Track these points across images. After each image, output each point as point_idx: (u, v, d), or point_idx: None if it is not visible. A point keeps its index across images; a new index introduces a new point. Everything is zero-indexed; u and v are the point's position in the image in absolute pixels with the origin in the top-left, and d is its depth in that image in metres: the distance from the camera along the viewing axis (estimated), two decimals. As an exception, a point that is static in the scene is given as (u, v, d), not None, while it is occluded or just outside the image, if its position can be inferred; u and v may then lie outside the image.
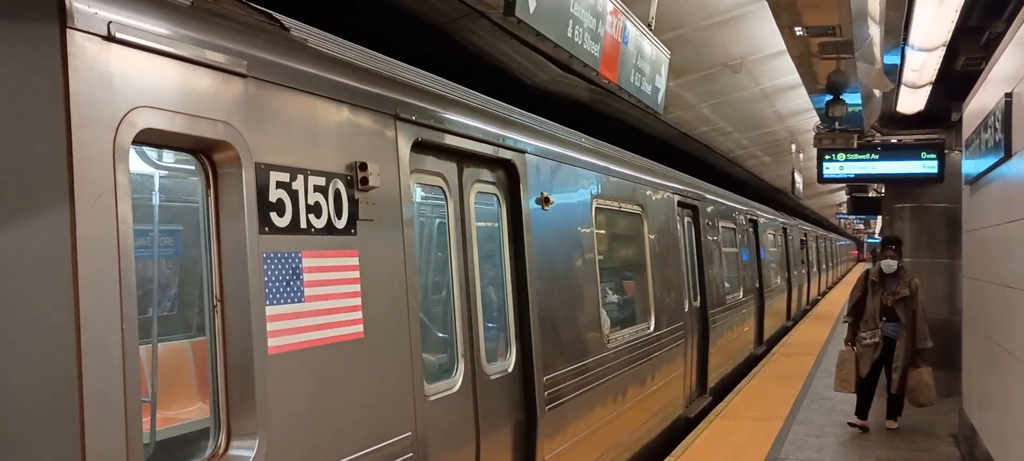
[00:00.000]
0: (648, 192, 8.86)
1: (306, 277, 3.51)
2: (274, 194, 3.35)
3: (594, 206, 7.04)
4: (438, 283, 5.14)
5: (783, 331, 19.54)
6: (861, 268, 23.26)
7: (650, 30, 8.03)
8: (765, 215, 18.46)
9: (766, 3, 9.21)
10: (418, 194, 4.75)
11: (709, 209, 12.14)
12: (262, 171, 3.30)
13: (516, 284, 5.57)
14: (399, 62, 4.76)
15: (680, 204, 10.32)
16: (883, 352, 9.23)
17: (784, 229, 21.06)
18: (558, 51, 6.18)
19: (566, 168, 6.51)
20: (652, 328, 8.54)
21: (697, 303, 10.91)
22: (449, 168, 4.94)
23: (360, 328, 3.81)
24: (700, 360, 10.96)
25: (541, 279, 5.77)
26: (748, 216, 15.86)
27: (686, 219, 10.88)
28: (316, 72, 3.72)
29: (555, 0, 5.74)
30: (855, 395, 9.48)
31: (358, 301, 3.81)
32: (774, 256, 19.08)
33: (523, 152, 5.66)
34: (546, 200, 5.89)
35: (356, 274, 3.81)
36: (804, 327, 20.69)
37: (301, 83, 3.59)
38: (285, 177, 3.41)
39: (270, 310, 3.30)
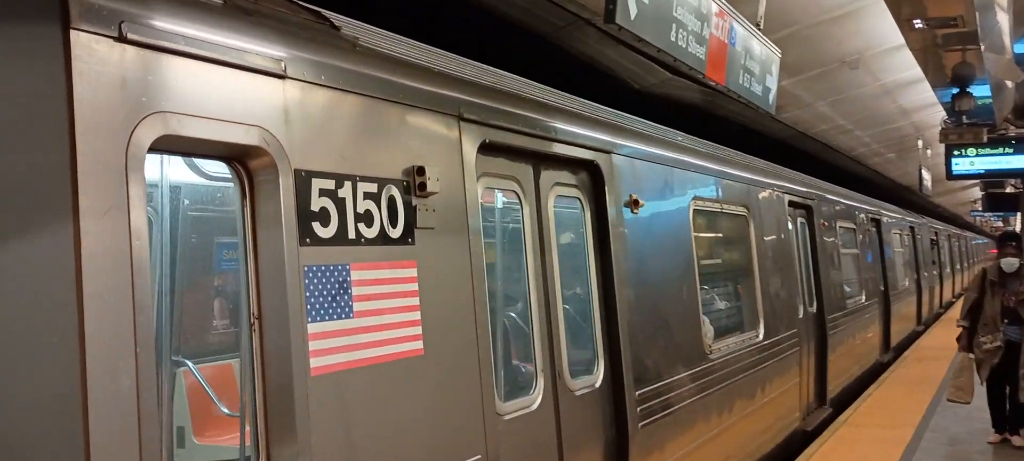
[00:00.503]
0: (755, 192, 8.37)
1: (355, 291, 3.29)
2: (317, 203, 3.15)
3: (692, 208, 6.64)
4: (513, 294, 4.90)
5: (913, 336, 18.69)
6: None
7: (759, 30, 7.91)
8: (890, 214, 17.36)
9: (882, -3, 8.96)
10: (488, 199, 4.53)
11: (825, 209, 11.44)
12: (302, 178, 3.10)
13: (603, 293, 5.24)
14: (464, 59, 4.55)
15: (792, 204, 9.74)
16: (1005, 358, 8.47)
17: (912, 228, 20.07)
18: (662, 55, 6.18)
19: (659, 168, 6.14)
20: (761, 336, 8.01)
21: (813, 309, 10.32)
22: (523, 171, 4.68)
23: (420, 344, 3.56)
24: (818, 369, 10.33)
25: (631, 287, 5.43)
26: (870, 215, 14.97)
27: (799, 220, 10.26)
28: (367, 71, 3.52)
29: (657, 5, 5.75)
30: (969, 404, 8.89)
31: (417, 315, 3.57)
32: (901, 257, 18.22)
33: (608, 152, 5.34)
34: (635, 203, 5.55)
35: (414, 286, 3.57)
36: (937, 331, 19.73)
37: (349, 83, 3.40)
38: (330, 184, 3.22)
39: (313, 328, 3.08)
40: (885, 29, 10.60)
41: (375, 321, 3.37)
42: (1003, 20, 8.97)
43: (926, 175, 21.66)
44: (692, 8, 6.28)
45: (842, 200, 12.93)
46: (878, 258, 15.23)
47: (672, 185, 6.39)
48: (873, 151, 20.53)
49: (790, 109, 13.27)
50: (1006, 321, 8.47)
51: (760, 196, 8.54)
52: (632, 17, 5.44)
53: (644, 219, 5.72)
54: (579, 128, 5.18)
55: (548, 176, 4.87)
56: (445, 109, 3.93)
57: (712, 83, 7.02)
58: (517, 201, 4.66)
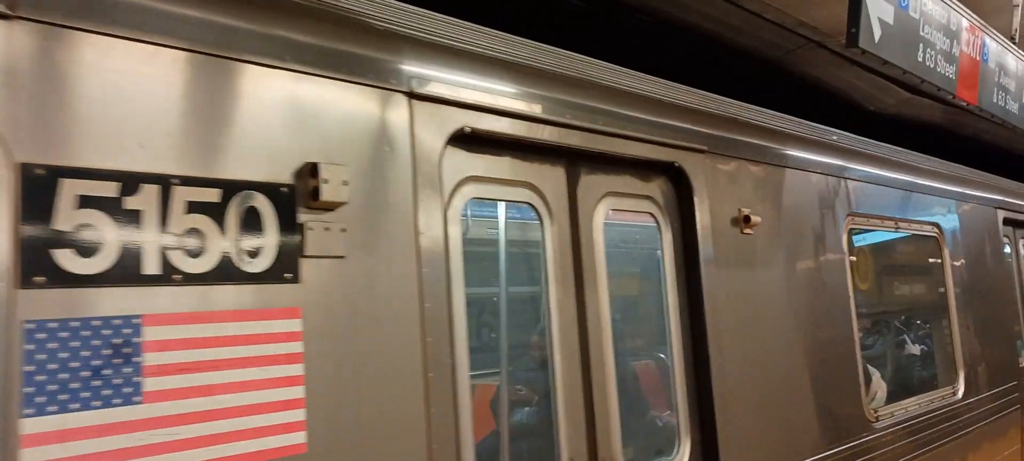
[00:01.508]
0: (949, 206, 6.73)
1: (150, 360, 2.17)
2: (70, 218, 2.10)
3: (846, 227, 5.26)
4: (527, 347, 3.87)
5: None
6: None
7: (1014, 43, 7.31)
8: None
9: None
10: (471, 213, 3.43)
11: None
12: (36, 179, 2.05)
13: (690, 342, 4.02)
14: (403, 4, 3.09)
15: (1009, 222, 7.88)
16: None
17: None
18: (908, 77, 5.86)
19: (790, 173, 4.81)
20: (960, 394, 6.29)
21: None
22: (547, 174, 3.49)
23: (301, 437, 2.41)
24: None
25: (735, 333, 4.16)
26: None
27: (1021, 242, 8.45)
28: (190, 11, 2.36)
29: (903, 25, 5.47)
30: None
31: (298, 392, 2.43)
32: None
33: (700, 151, 4.11)
34: (746, 220, 4.31)
35: (296, 347, 2.44)
36: None
37: (156, 28, 2.28)
38: (105, 189, 2.15)
39: (33, 425, 1.97)
40: None
41: (194, 407, 2.22)
42: None
43: None
44: (940, 25, 5.92)
45: None
46: None
47: (811, 196, 5.01)
48: None
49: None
50: None
51: (958, 211, 6.89)
52: (876, 39, 5.20)
53: (763, 241, 4.45)
54: (652, 116, 4.00)
55: (593, 183, 3.68)
56: (380, 79, 2.79)
57: (963, 103, 6.56)
58: (536, 218, 3.49)
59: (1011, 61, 7.17)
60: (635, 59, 4.58)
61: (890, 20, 5.28)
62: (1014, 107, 7.33)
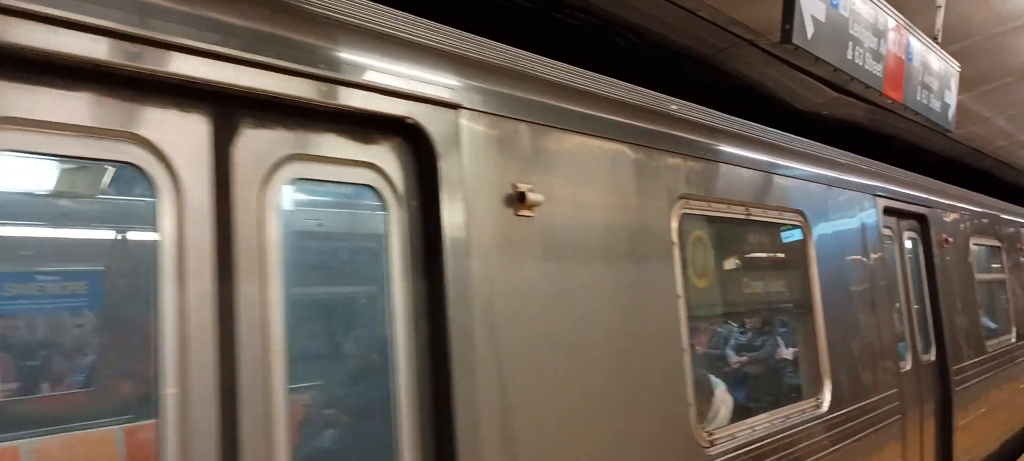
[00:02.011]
0: (818, 190, 5.83)
1: None
2: None
3: (676, 212, 4.30)
4: None
5: None
6: None
7: (936, 43, 7.52)
8: None
9: (1073, 1, 8.35)
10: None
11: (949, 221, 8.57)
12: None
13: (429, 361, 3.07)
14: None
15: (891, 212, 7.16)
16: None
17: None
18: (838, 75, 5.96)
19: (595, 143, 3.82)
20: (825, 406, 5.40)
21: (931, 356, 7.58)
22: (176, 126, 2.51)
23: None
24: (941, 445, 7.50)
25: (501, 346, 3.24)
26: None
27: (906, 235, 7.63)
28: None
29: (833, 24, 5.56)
30: None
31: None
32: None
33: (451, 106, 3.19)
34: (522, 198, 3.37)
35: None
36: None
37: None
38: None
39: None
40: (1073, 36, 9.86)
41: None
42: None
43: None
44: (868, 24, 6.04)
45: (980, 209, 9.95)
46: None
47: (627, 172, 4.00)
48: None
49: (965, 125, 12.53)
50: None
51: (829, 198, 5.95)
52: (809, 36, 5.28)
53: (548, 227, 3.49)
54: (375, 55, 3.00)
55: (264, 141, 2.69)
56: None
57: (889, 101, 6.71)
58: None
59: (934, 60, 7.37)
60: (572, 57, 4.56)
61: (822, 18, 5.37)
62: (936, 105, 7.54)
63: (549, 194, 3.51)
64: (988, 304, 9.88)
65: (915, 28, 6.89)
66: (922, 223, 7.90)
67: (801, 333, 5.74)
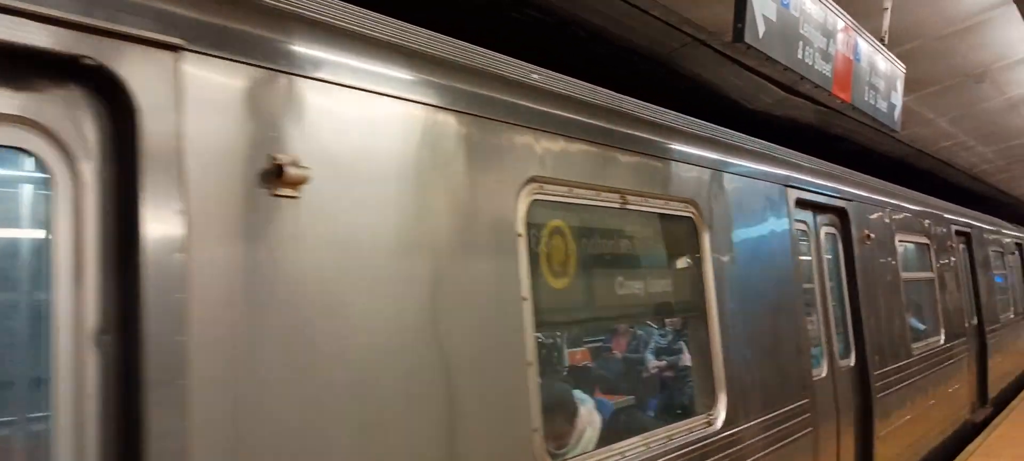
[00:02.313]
0: (715, 178, 5.12)
1: None
2: None
3: (525, 197, 3.55)
4: None
5: None
6: None
7: (883, 45, 7.67)
8: (985, 226, 13.96)
9: (1013, 5, 8.58)
10: None
11: (874, 217, 7.94)
12: None
13: (117, 381, 2.34)
14: None
15: (805, 204, 6.43)
16: None
17: (1020, 246, 16.97)
18: (787, 74, 6.05)
19: (401, 107, 3.10)
20: (719, 423, 4.71)
21: (850, 362, 7.03)
22: None
23: None
24: (861, 457, 6.95)
25: (249, 362, 2.55)
26: (957, 227, 11.74)
27: (824, 231, 6.96)
28: None
29: (783, 23, 5.64)
30: None
31: None
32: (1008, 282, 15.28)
33: (161, 45, 2.35)
34: (279, 172, 2.63)
35: None
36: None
37: None
38: None
39: None
40: (1013, 41, 10.14)
41: None
42: None
43: (1054, 192, 20.61)
44: (818, 24, 6.14)
45: (904, 204, 9.30)
46: (969, 284, 11.89)
47: (452, 145, 3.27)
48: (997, 168, 19.62)
49: (910, 126, 12.81)
50: None
51: (729, 187, 5.25)
52: (760, 35, 5.35)
53: (322, 210, 2.74)
54: None
55: None
56: None
57: (838, 100, 6.83)
58: None
59: (881, 62, 7.51)
60: (528, 54, 4.55)
61: (773, 17, 5.44)
62: (883, 106, 7.69)
63: (325, 169, 2.71)
64: (915, 305, 9.42)
65: (863, 30, 7.03)
66: (842, 218, 7.16)
67: (693, 340, 5.03)
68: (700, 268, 4.83)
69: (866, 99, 7.29)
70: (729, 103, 10.02)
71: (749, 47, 5.29)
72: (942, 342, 9.76)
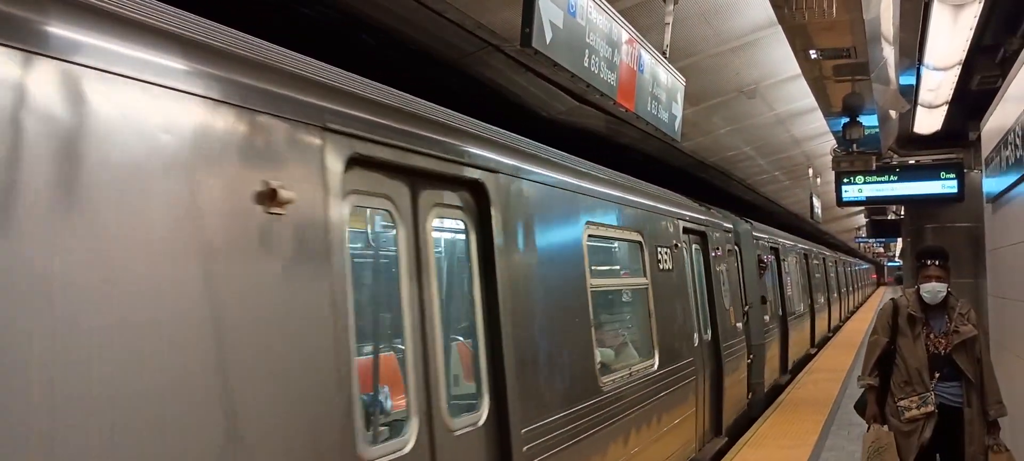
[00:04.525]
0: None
1: None
2: None
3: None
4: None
5: (807, 358, 19.32)
6: (883, 294, 23.08)
7: (665, 58, 8.07)
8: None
9: (780, 28, 9.29)
10: None
11: (533, 197, 5.36)
12: None
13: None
14: None
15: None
16: (940, 429, 5.83)
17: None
18: (575, 81, 6.22)
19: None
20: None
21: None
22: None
23: None
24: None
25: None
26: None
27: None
28: None
29: (570, 31, 5.79)
30: None
31: None
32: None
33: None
34: None
35: None
36: (829, 354, 20.53)
37: None
38: None
39: None
40: (780, 60, 11.00)
41: None
42: (889, 53, 9.40)
43: (817, 202, 22.60)
44: (603, 34, 6.34)
45: (598, 188, 6.89)
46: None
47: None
48: (770, 178, 21.27)
49: (691, 137, 13.61)
50: (937, 376, 5.84)
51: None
52: (547, 41, 5.44)
53: None
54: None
55: None
56: None
57: (622, 109, 7.10)
58: None
59: (663, 74, 7.89)
60: (320, 53, 4.39)
61: (560, 24, 5.56)
62: (664, 116, 8.08)
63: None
64: (614, 322, 8.03)
65: (646, 42, 7.35)
66: (476, 195, 4.70)
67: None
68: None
69: (649, 109, 7.63)
70: (526, 110, 10.21)
71: (537, 52, 5.37)
72: (656, 368, 7.57)
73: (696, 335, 9.14)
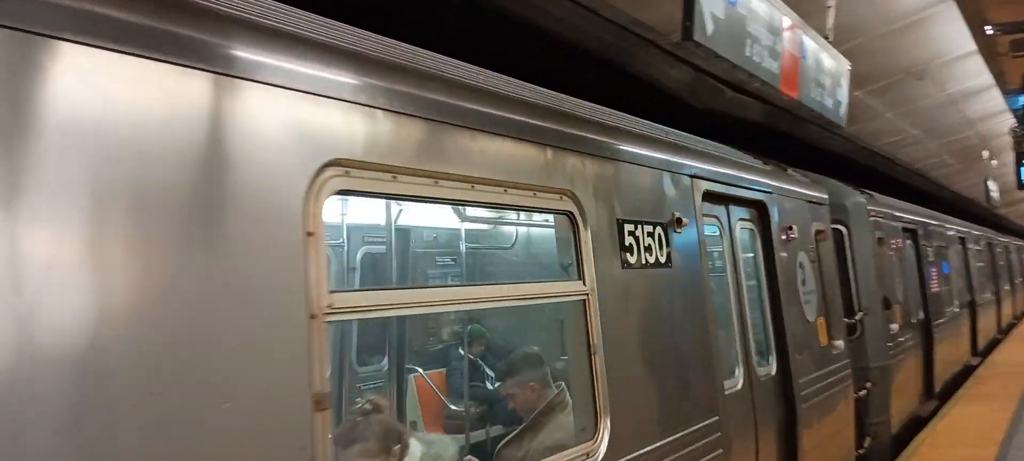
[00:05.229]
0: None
1: None
2: None
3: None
4: None
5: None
6: None
7: (828, 42, 7.81)
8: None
9: (951, 3, 8.81)
10: None
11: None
12: None
13: None
14: None
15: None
16: None
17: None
18: (737, 71, 6.12)
19: None
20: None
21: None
22: None
23: None
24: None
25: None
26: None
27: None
28: None
29: (731, 21, 5.70)
30: None
31: None
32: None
33: None
34: None
35: None
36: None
37: None
38: None
39: None
40: (951, 37, 10.43)
41: None
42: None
43: (992, 186, 21.14)
44: (764, 22, 6.22)
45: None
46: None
47: None
48: (941, 163, 20.13)
49: (855, 122, 13.08)
50: None
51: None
52: (709, 34, 5.40)
53: None
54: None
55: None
56: None
57: (785, 98, 6.93)
58: None
59: (826, 59, 7.64)
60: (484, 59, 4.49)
61: (721, 15, 5.50)
62: (829, 102, 7.82)
63: None
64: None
65: (808, 27, 7.14)
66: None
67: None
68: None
69: (813, 96, 7.41)
70: (682, 103, 10.10)
71: (699, 45, 5.33)
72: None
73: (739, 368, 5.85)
